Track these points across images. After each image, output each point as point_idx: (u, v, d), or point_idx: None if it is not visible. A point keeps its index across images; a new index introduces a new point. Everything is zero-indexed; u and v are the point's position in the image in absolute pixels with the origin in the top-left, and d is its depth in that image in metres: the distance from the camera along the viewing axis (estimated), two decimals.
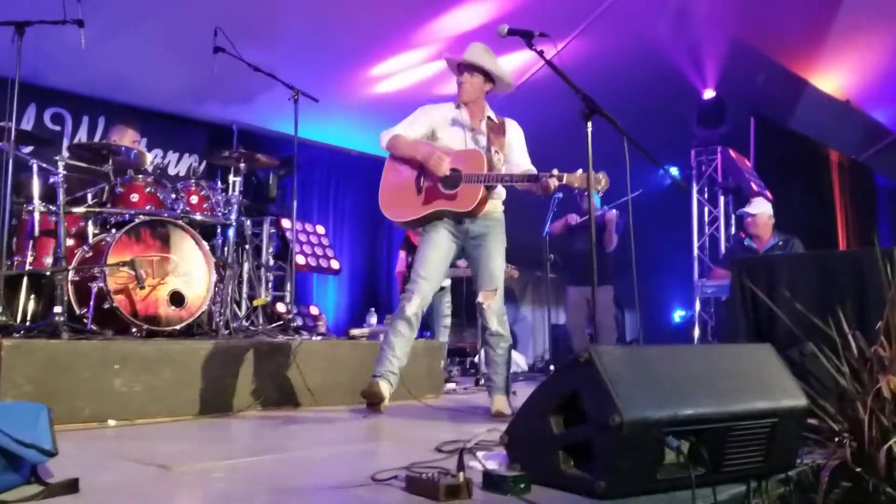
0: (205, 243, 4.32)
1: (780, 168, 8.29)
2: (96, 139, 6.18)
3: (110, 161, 4.44)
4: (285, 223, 6.18)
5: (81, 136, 6.26)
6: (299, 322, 5.53)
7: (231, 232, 4.82)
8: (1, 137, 3.93)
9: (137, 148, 5.12)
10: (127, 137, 5.09)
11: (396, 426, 3.38)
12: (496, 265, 3.71)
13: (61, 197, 4.05)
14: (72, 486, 1.93)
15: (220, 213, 4.74)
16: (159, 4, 5.40)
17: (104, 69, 5.73)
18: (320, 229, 6.89)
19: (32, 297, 4.20)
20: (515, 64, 7.19)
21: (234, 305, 4.85)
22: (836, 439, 2.56)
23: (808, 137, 9.10)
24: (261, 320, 5.03)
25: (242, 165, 5.02)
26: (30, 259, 4.20)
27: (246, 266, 5.23)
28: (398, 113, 3.88)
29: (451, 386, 5.26)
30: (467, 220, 3.66)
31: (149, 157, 4.87)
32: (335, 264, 6.77)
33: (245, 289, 5.21)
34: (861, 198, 10.44)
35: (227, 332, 4.40)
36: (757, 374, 2.12)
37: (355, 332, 5.14)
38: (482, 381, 5.57)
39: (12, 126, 3.88)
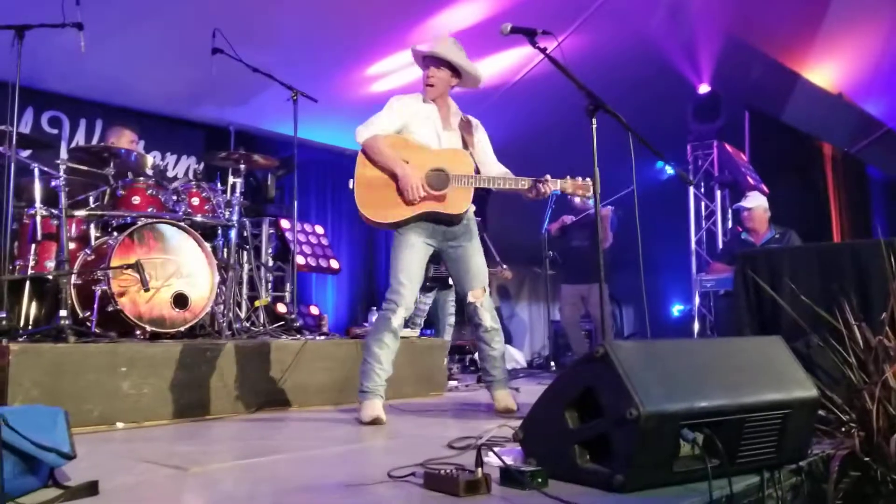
0: (207, 245, 4.32)
1: (775, 161, 8.33)
2: (94, 142, 6.17)
3: (111, 164, 4.44)
4: (284, 224, 6.18)
5: (79, 139, 6.24)
6: (300, 322, 5.53)
7: (233, 233, 4.83)
8: (1, 142, 3.93)
9: (137, 150, 5.11)
10: (124, 138, 5.08)
11: (404, 424, 3.39)
12: (481, 262, 3.64)
13: (63, 201, 4.04)
14: (91, 489, 1.94)
15: (221, 215, 4.74)
16: (156, 7, 5.38)
17: (101, 72, 5.71)
18: (319, 229, 6.89)
19: (35, 301, 4.19)
20: (511, 61, 7.23)
21: (236, 306, 4.85)
22: (845, 429, 2.60)
23: (801, 131, 9.15)
24: (262, 321, 5.04)
25: (242, 167, 5.02)
26: (32, 263, 4.19)
27: (246, 267, 5.23)
28: None
29: (452, 383, 5.27)
30: (448, 222, 3.53)
31: (149, 159, 4.86)
32: (335, 264, 6.77)
33: (246, 290, 5.21)
34: (854, 190, 10.50)
35: (230, 333, 4.41)
36: (768, 366, 2.14)
37: (359, 331, 5.16)
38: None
39: (14, 130, 3.88)
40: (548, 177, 3.54)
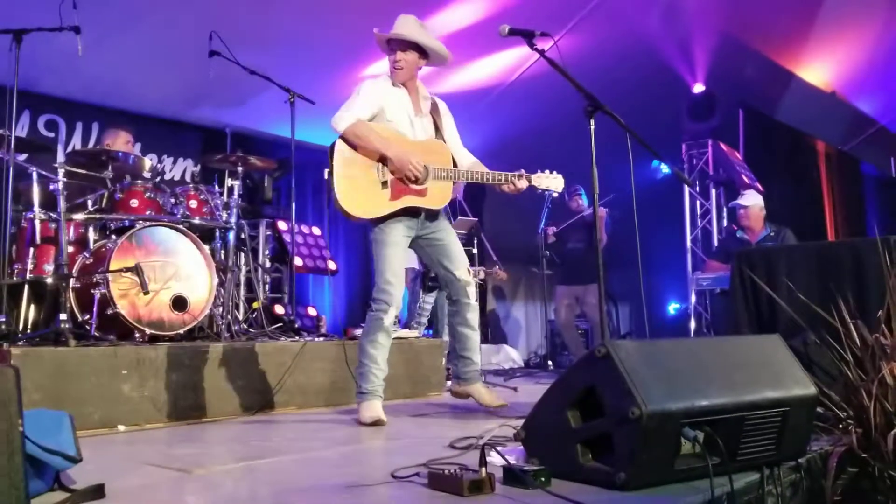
0: (205, 247, 4.33)
1: (769, 159, 8.37)
2: (90, 145, 6.17)
3: (109, 167, 4.44)
4: (282, 225, 6.19)
5: (76, 142, 6.24)
6: (299, 323, 5.54)
7: (231, 235, 4.84)
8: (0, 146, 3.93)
9: (134, 152, 5.12)
10: (120, 140, 5.08)
11: (405, 424, 3.41)
12: (460, 245, 3.61)
13: (62, 204, 4.04)
14: (98, 492, 1.95)
15: (219, 217, 4.75)
16: (152, 9, 5.39)
17: (98, 75, 5.72)
18: (316, 230, 6.89)
19: (34, 304, 4.19)
20: (507, 61, 7.25)
21: (235, 308, 4.86)
22: (842, 426, 2.63)
23: (796, 129, 9.19)
24: (261, 322, 5.04)
25: (239, 169, 5.03)
26: (30, 267, 4.19)
27: (244, 269, 5.24)
28: None
29: (451, 383, 5.28)
30: (427, 215, 3.48)
31: (147, 162, 4.87)
32: (332, 265, 6.78)
33: (244, 291, 5.22)
34: (848, 187, 10.56)
35: (229, 335, 4.42)
36: (767, 364, 2.17)
37: (357, 332, 5.16)
38: (483, 378, 5.59)
39: (12, 135, 3.89)
40: (522, 171, 3.51)
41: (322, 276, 7.32)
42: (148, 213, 4.34)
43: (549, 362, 7.46)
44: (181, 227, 4.28)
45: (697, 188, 8.15)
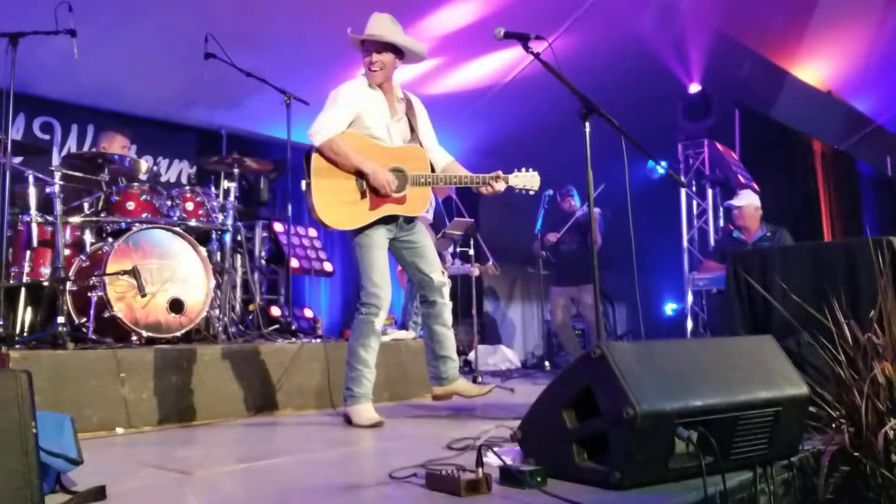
0: (202, 249, 4.34)
1: (765, 159, 8.40)
2: (86, 147, 6.18)
3: (105, 170, 4.44)
4: (278, 227, 6.20)
5: (71, 144, 6.25)
6: (295, 325, 5.56)
7: (227, 237, 4.85)
8: None
9: (129, 155, 5.13)
10: (116, 143, 5.09)
11: (403, 425, 3.43)
12: (434, 247, 3.63)
13: (58, 207, 4.06)
14: (99, 494, 1.96)
15: (215, 219, 4.76)
16: (147, 11, 5.40)
17: (93, 77, 5.72)
18: (312, 232, 6.90)
19: (30, 307, 4.20)
20: (503, 61, 7.26)
21: (231, 310, 4.87)
22: (835, 425, 2.65)
23: (791, 128, 9.22)
24: (258, 324, 5.05)
25: (235, 171, 5.04)
26: (27, 270, 4.20)
27: (241, 270, 5.26)
28: None
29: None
30: (404, 219, 3.49)
31: (143, 164, 4.88)
32: (328, 267, 6.79)
33: (240, 293, 5.23)
34: (844, 186, 10.59)
35: (226, 337, 4.43)
36: (760, 364, 2.19)
37: None
38: (479, 379, 5.63)
39: (8, 138, 3.90)
40: (499, 173, 3.49)
41: (318, 278, 7.32)
42: (144, 215, 4.35)
43: (546, 363, 7.48)
44: (178, 229, 4.29)
45: (694, 188, 8.17)
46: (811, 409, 2.57)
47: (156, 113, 6.71)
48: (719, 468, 1.93)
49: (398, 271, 6.82)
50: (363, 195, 3.34)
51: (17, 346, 3.55)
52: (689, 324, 7.46)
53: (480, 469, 1.90)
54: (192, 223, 4.56)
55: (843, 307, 2.84)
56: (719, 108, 7.98)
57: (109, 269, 3.92)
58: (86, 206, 4.45)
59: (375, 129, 3.43)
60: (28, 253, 4.20)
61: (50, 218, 4.13)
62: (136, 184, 4.48)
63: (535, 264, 7.12)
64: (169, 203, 4.53)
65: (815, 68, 9.16)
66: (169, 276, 4.14)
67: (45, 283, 4.10)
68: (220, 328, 4.45)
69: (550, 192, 6.89)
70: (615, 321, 9.56)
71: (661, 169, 8.10)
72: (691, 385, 1.98)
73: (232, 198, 4.95)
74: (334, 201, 3.31)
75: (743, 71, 8.21)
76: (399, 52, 3.47)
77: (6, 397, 1.24)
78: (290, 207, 5.25)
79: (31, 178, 4.19)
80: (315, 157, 3.33)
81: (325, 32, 6.07)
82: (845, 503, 2.48)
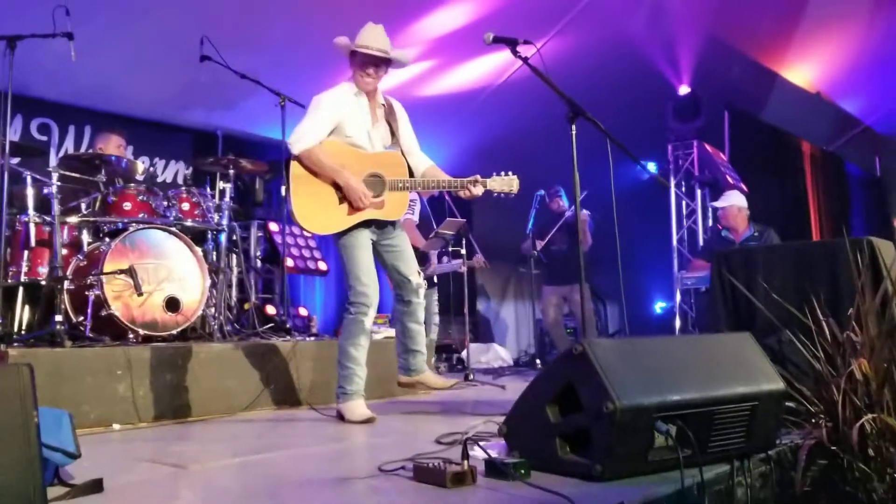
0: (198, 249, 4.40)
1: (754, 160, 8.49)
2: (83, 148, 6.24)
3: (102, 171, 4.50)
4: (273, 226, 6.26)
5: (68, 145, 6.30)
6: (290, 323, 5.62)
7: (223, 237, 4.91)
8: None
9: (126, 155, 5.19)
10: (111, 143, 5.14)
11: (394, 421, 3.50)
12: (412, 249, 3.71)
13: (56, 207, 4.11)
14: (96, 486, 2.03)
15: (210, 219, 4.82)
16: (144, 13, 5.45)
17: (90, 79, 5.77)
18: (307, 232, 6.97)
19: (28, 306, 4.25)
20: (495, 63, 7.34)
21: (227, 309, 4.93)
22: (814, 420, 2.73)
23: (780, 129, 9.31)
24: (253, 322, 5.11)
25: (231, 171, 5.10)
26: (25, 269, 4.26)
27: (236, 270, 5.32)
28: None
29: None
30: (387, 224, 3.58)
31: (140, 165, 4.94)
32: (323, 266, 6.86)
33: (236, 292, 5.30)
34: (833, 187, 10.69)
35: (221, 335, 4.49)
36: (737, 360, 2.27)
37: None
38: (472, 377, 5.70)
39: (6, 139, 3.95)
40: (477, 177, 3.55)
41: (313, 277, 7.40)
42: (141, 215, 4.42)
43: (538, 361, 7.56)
44: (174, 229, 4.36)
45: (683, 188, 8.26)
46: (791, 404, 2.66)
47: (152, 114, 6.77)
48: (697, 461, 2.01)
49: None
50: (341, 201, 3.42)
51: (16, 344, 3.62)
52: (678, 322, 7.54)
53: (466, 462, 1.97)
54: (188, 223, 4.63)
55: (823, 306, 2.91)
56: (709, 109, 8.07)
57: (106, 269, 3.99)
58: (83, 206, 4.51)
59: (356, 137, 3.51)
60: (26, 252, 4.26)
61: (48, 218, 4.19)
62: (132, 184, 4.54)
63: (526, 264, 7.19)
64: (165, 203, 4.60)
65: (804, 70, 9.25)
66: (165, 275, 4.20)
67: (43, 283, 4.16)
68: (216, 327, 4.51)
69: (542, 192, 6.97)
70: (607, 319, 9.65)
71: (652, 167, 8.20)
72: (670, 380, 2.06)
73: (227, 198, 5.02)
74: (312, 207, 3.40)
75: (733, 73, 8.29)
76: (389, 62, 3.57)
77: (9, 389, 1.31)
78: (284, 207, 5.31)
79: (28, 179, 4.25)
80: (294, 163, 3.42)
81: (320, 35, 6.12)
82: (822, 496, 2.56)
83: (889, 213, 12.42)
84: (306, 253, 6.73)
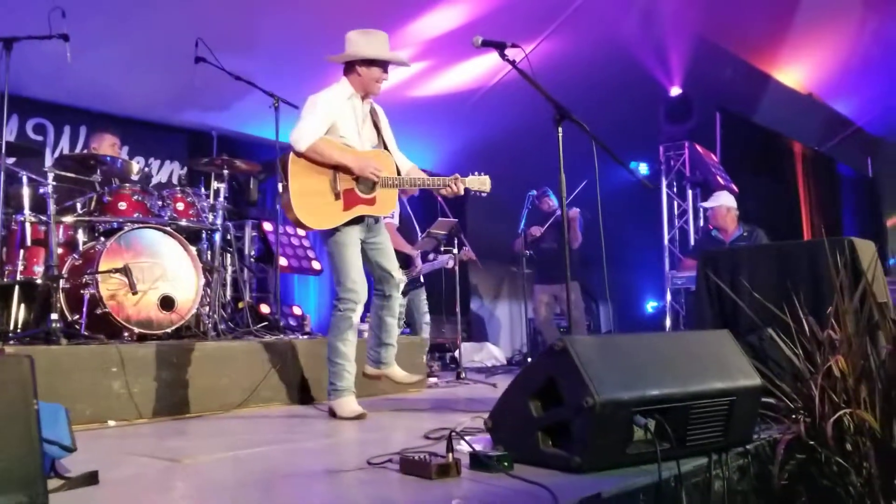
0: (192, 248, 4.45)
1: (746, 161, 8.57)
2: (78, 148, 6.29)
3: (97, 171, 4.55)
4: (267, 226, 6.32)
5: (63, 145, 6.35)
6: (284, 322, 5.68)
7: (217, 236, 4.96)
8: None
9: (121, 155, 5.23)
10: (105, 143, 5.18)
11: (386, 418, 3.56)
12: (392, 247, 3.85)
13: (51, 207, 4.16)
14: (92, 479, 2.09)
15: (205, 219, 4.87)
16: (140, 15, 5.51)
17: (86, 79, 5.82)
18: (301, 231, 7.03)
19: (24, 305, 4.30)
20: (488, 64, 7.40)
21: (221, 308, 4.99)
22: (793, 416, 2.79)
23: (772, 130, 9.39)
24: (247, 321, 5.16)
25: (225, 172, 5.15)
26: (20, 268, 4.29)
27: (230, 269, 5.37)
28: None
29: (432, 380, 5.44)
30: (371, 220, 3.68)
31: (135, 165, 4.99)
32: (316, 265, 6.92)
33: (230, 291, 5.35)
34: (825, 187, 10.78)
35: (215, 333, 4.55)
36: (716, 357, 2.33)
37: None
38: (463, 375, 5.77)
39: (2, 140, 4.00)
40: (457, 175, 3.70)
41: (307, 276, 7.45)
42: (136, 215, 4.46)
43: (530, 360, 7.62)
44: (168, 228, 4.41)
45: (675, 189, 8.33)
46: (771, 400, 2.73)
47: (147, 115, 6.83)
48: (675, 454, 2.07)
49: None
50: (337, 196, 3.52)
51: (12, 342, 3.67)
52: (668, 321, 7.62)
53: (451, 455, 2.03)
54: (183, 223, 4.67)
55: (802, 304, 2.98)
56: (700, 110, 8.14)
57: (102, 268, 4.04)
58: (78, 206, 4.55)
59: (349, 138, 3.61)
60: (22, 252, 4.30)
61: (43, 217, 4.23)
62: (127, 184, 4.58)
63: (518, 263, 7.26)
64: (160, 203, 4.64)
65: (796, 71, 9.34)
66: (160, 274, 4.25)
67: (39, 281, 4.21)
68: (210, 325, 4.57)
69: (534, 192, 7.04)
70: (600, 319, 9.72)
71: (644, 168, 8.27)
72: (649, 376, 2.12)
73: (222, 198, 5.07)
74: (310, 202, 3.49)
75: (725, 75, 8.37)
76: None
77: (11, 379, 1.38)
78: (278, 207, 5.36)
79: (24, 179, 4.30)
80: (292, 159, 3.50)
81: (312, 37, 6.20)
82: (800, 489, 2.63)
83: (881, 213, 12.53)
84: (300, 252, 6.80)
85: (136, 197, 4.53)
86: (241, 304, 5.36)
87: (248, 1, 5.79)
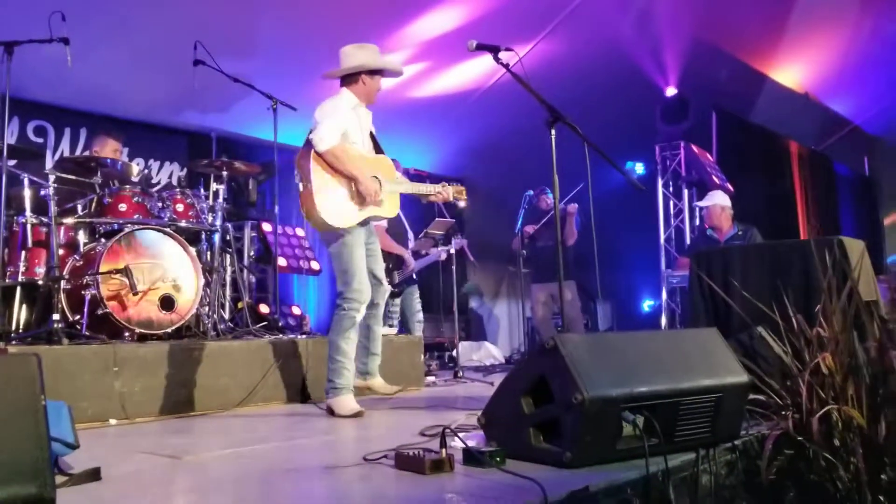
0: (192, 249, 4.51)
1: (742, 160, 8.62)
2: (79, 150, 6.33)
3: (98, 173, 4.60)
4: (266, 227, 6.37)
5: (64, 147, 6.40)
6: (283, 322, 5.73)
7: (216, 237, 5.01)
8: None
9: (121, 159, 5.28)
10: (108, 147, 5.24)
11: (383, 416, 3.61)
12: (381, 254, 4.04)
13: (52, 209, 4.21)
14: (94, 475, 2.14)
15: (204, 220, 4.92)
16: (139, 18, 5.56)
17: (86, 82, 5.86)
18: (300, 231, 7.08)
19: (25, 306, 4.35)
20: (485, 66, 7.45)
21: (221, 308, 5.04)
22: (783, 412, 2.85)
23: (768, 130, 9.44)
24: (246, 321, 5.22)
25: (224, 173, 5.20)
26: (22, 269, 4.35)
27: (230, 269, 5.42)
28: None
29: (430, 379, 5.50)
30: (372, 224, 3.89)
31: (135, 168, 5.04)
32: (315, 265, 6.97)
33: (229, 291, 5.40)
34: (821, 187, 10.83)
35: (215, 333, 4.60)
36: (703, 355, 2.39)
37: None
38: (461, 374, 5.83)
39: (3, 142, 4.05)
40: (444, 184, 4.02)
41: (306, 276, 7.50)
42: (136, 216, 4.51)
43: None
44: (168, 230, 4.46)
45: (671, 189, 8.39)
46: (760, 397, 2.78)
47: (147, 116, 6.87)
48: (663, 449, 2.12)
49: None
50: (352, 196, 3.67)
51: (14, 343, 3.72)
52: (664, 320, 7.67)
53: (444, 450, 2.09)
54: (183, 224, 4.72)
55: (791, 303, 3.03)
56: (696, 110, 8.20)
57: (102, 269, 4.09)
58: (79, 207, 4.60)
59: (358, 144, 3.78)
60: (23, 253, 4.35)
61: (44, 219, 4.28)
62: (127, 186, 4.63)
63: (516, 262, 7.31)
64: (160, 205, 4.69)
65: (792, 71, 9.38)
66: (160, 275, 4.30)
67: (41, 283, 4.26)
68: (210, 325, 4.62)
69: (531, 192, 7.09)
70: (598, 317, 9.77)
71: (640, 169, 8.31)
72: (638, 373, 2.18)
73: (221, 199, 5.11)
74: (330, 199, 3.62)
75: (720, 75, 8.42)
76: None
77: (20, 375, 1.45)
78: (277, 208, 5.43)
79: (26, 181, 4.35)
80: (314, 159, 3.62)
81: (310, 40, 6.26)
82: (788, 484, 2.68)
83: (878, 211, 12.59)
84: (299, 252, 6.85)
85: (136, 199, 4.57)
86: (240, 305, 5.41)
87: (247, 4, 5.84)
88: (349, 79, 3.80)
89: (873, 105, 10.91)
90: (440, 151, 8.78)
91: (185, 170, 7.03)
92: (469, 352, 7.96)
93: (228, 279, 5.39)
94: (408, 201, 6.18)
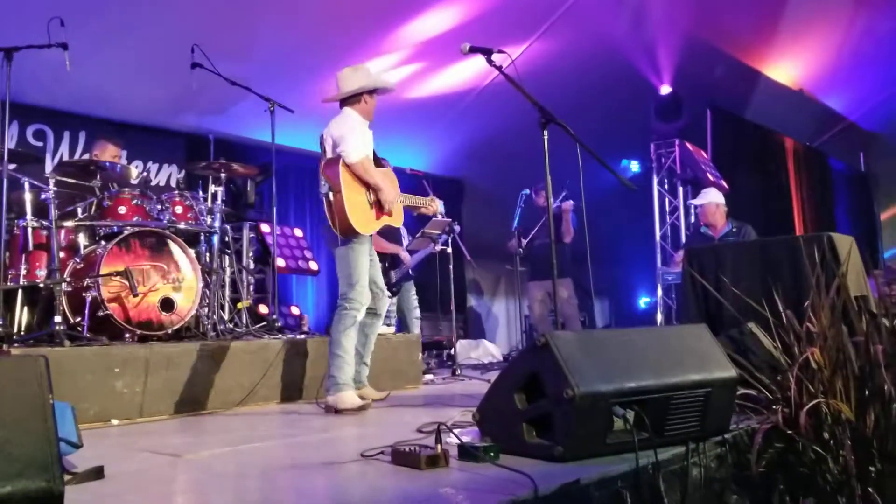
0: (191, 251, 4.56)
1: (737, 157, 8.68)
2: (78, 154, 6.38)
3: (97, 176, 4.65)
4: (264, 228, 6.42)
5: (63, 151, 6.44)
6: (282, 322, 5.78)
7: (215, 239, 5.06)
8: None
9: (121, 162, 5.33)
10: (108, 152, 5.27)
11: (380, 413, 3.67)
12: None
13: (53, 212, 4.26)
14: (98, 473, 2.19)
15: (203, 222, 4.97)
16: (137, 22, 5.60)
17: (85, 85, 5.91)
18: (298, 232, 7.13)
19: (27, 308, 4.39)
20: (480, 66, 7.49)
21: (220, 309, 5.09)
22: (773, 407, 2.90)
23: (763, 127, 9.49)
24: (245, 321, 5.27)
25: (222, 175, 5.25)
26: (23, 272, 4.39)
27: (229, 270, 5.47)
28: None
29: (429, 377, 5.55)
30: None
31: (134, 171, 5.08)
32: (314, 265, 7.02)
33: (228, 292, 5.45)
34: (816, 182, 10.89)
35: (215, 334, 4.65)
36: (693, 350, 2.44)
37: None
38: (459, 372, 5.88)
39: (4, 147, 4.10)
40: (432, 196, 4.42)
41: (304, 276, 7.55)
42: (135, 219, 4.55)
43: None
44: (167, 232, 4.51)
45: (666, 186, 8.44)
46: (751, 392, 2.83)
47: (146, 119, 6.91)
48: (653, 443, 2.18)
49: None
50: (371, 206, 3.94)
51: (16, 345, 3.76)
52: (660, 316, 7.72)
53: (440, 446, 2.14)
54: (182, 226, 4.77)
55: (781, 299, 3.08)
56: (691, 108, 8.25)
57: (103, 271, 4.14)
58: (79, 210, 4.65)
59: (369, 158, 3.98)
60: (24, 256, 4.39)
61: (45, 222, 4.33)
62: (127, 189, 4.67)
63: (513, 261, 7.35)
64: (159, 207, 4.74)
65: (787, 67, 9.43)
66: (160, 276, 4.35)
67: (42, 285, 4.30)
68: (209, 326, 4.66)
69: (527, 191, 7.13)
70: (595, 315, 9.83)
71: (634, 168, 8.37)
72: (628, 369, 2.23)
73: (219, 201, 5.16)
74: (357, 208, 3.86)
75: (715, 72, 8.47)
76: None
77: (29, 375, 1.51)
78: (275, 209, 5.47)
79: (26, 185, 4.39)
80: (343, 170, 3.83)
81: (307, 43, 6.31)
82: (778, 476, 2.74)
83: (874, 207, 12.65)
84: (297, 253, 6.90)
85: (135, 201, 4.62)
86: (240, 305, 5.46)
87: (244, 7, 5.88)
88: (351, 99, 3.99)
89: (868, 100, 10.96)
90: (436, 151, 8.83)
91: (184, 172, 7.06)
92: (467, 350, 8.01)
93: (228, 280, 5.44)
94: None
